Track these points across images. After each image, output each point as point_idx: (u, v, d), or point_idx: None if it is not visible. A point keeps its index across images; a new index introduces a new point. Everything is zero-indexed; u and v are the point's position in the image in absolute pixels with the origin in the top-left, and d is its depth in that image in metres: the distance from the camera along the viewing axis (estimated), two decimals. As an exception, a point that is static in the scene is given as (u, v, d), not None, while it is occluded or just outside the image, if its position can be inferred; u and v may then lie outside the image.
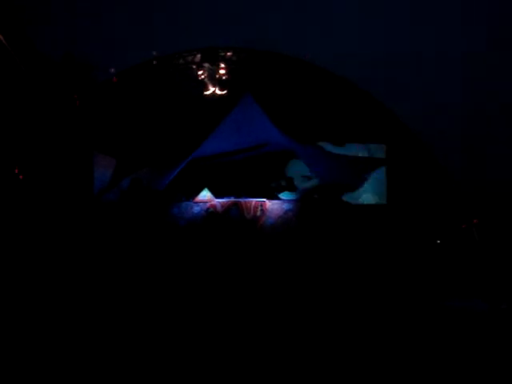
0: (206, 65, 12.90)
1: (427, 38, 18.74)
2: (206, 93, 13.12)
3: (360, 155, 13.54)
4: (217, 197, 12.98)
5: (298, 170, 13.79)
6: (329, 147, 13.67)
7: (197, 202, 12.88)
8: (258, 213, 12.75)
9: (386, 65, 18.01)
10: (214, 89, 13.05)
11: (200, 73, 12.97)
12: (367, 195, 13.33)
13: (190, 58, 12.94)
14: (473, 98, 17.83)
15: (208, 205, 12.83)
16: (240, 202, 12.82)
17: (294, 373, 8.70)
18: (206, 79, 13.00)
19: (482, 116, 17.79)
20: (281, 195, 13.37)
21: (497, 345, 9.37)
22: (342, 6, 18.80)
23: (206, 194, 12.95)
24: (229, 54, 12.88)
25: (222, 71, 12.95)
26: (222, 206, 12.83)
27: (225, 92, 13.07)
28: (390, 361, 9.01)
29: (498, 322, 10.42)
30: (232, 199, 12.98)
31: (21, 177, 12.54)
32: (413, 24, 19.16)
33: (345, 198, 13.25)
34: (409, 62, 18.36)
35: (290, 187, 13.67)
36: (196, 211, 12.79)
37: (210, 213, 12.78)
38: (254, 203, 12.80)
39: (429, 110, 17.63)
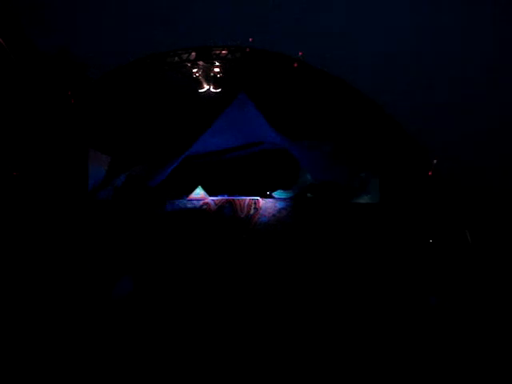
0: (201, 63, 12.92)
1: (426, 37, 18.76)
2: (200, 91, 13.14)
3: (354, 155, 13.57)
4: (210, 195, 12.99)
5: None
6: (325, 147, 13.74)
7: (190, 200, 12.88)
8: (252, 211, 12.75)
9: (384, 64, 18.03)
10: (208, 87, 13.07)
11: (195, 71, 12.99)
12: (360, 194, 13.34)
13: (184, 56, 12.93)
14: (471, 98, 17.85)
15: (201, 202, 12.83)
16: (233, 200, 12.82)
17: (285, 368, 8.74)
18: (200, 77, 13.02)
19: (479, 116, 17.81)
20: (274, 194, 13.39)
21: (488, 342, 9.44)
22: (341, 7, 18.82)
23: (199, 192, 12.96)
24: (223, 52, 12.86)
25: (217, 69, 12.97)
26: (216, 204, 12.83)
27: (219, 90, 13.09)
28: (381, 355, 9.07)
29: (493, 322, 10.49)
30: (226, 197, 12.99)
31: (14, 173, 12.52)
32: (412, 24, 19.18)
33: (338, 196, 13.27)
34: (406, 61, 18.37)
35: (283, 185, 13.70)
36: (189, 209, 12.79)
37: (204, 211, 12.78)
38: (247, 201, 12.80)
39: (425, 109, 17.65)
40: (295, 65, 13.04)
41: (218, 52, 12.88)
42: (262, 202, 12.84)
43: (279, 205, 12.88)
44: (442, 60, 18.64)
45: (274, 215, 12.80)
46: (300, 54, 13.18)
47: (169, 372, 8.88)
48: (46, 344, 9.44)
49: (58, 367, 8.71)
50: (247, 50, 12.90)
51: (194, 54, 12.85)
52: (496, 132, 17.44)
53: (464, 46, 18.54)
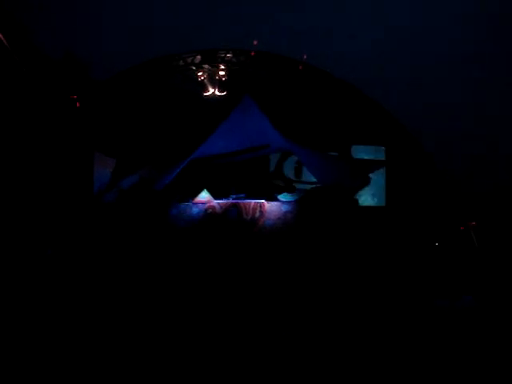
0: (206, 66, 12.92)
1: (427, 36, 18.74)
2: (205, 94, 13.14)
3: (360, 157, 13.58)
4: (216, 198, 12.99)
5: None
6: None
7: (196, 203, 12.89)
8: (257, 214, 12.75)
9: (385, 65, 18.02)
10: (213, 90, 13.07)
11: (200, 74, 12.99)
12: (366, 197, 13.36)
13: (189, 59, 12.94)
14: (473, 98, 17.85)
15: (207, 206, 12.84)
16: (239, 203, 12.83)
17: (291, 372, 8.76)
18: (205, 80, 13.02)
19: (483, 117, 17.81)
20: (280, 197, 13.39)
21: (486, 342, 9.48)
22: (342, 7, 18.81)
23: (204, 195, 12.96)
24: (228, 55, 12.87)
25: (222, 73, 12.96)
26: (221, 207, 12.83)
27: (224, 93, 13.09)
28: (388, 360, 9.09)
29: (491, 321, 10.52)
30: (231, 200, 12.99)
31: (20, 176, 12.55)
32: (412, 23, 19.17)
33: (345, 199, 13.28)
34: (408, 61, 18.36)
35: (289, 188, 13.71)
36: (195, 212, 12.80)
37: (209, 214, 12.80)
38: (252, 204, 12.80)
39: (428, 111, 17.65)
40: (300, 67, 13.04)
41: (222, 55, 12.89)
42: (267, 205, 12.84)
43: (284, 208, 12.87)
44: (444, 60, 18.64)
45: (279, 218, 12.80)
46: (304, 56, 13.19)
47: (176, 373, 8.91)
48: (44, 345, 9.46)
49: (55, 367, 8.72)
50: (252, 53, 12.91)
51: (199, 57, 12.87)
52: (499, 132, 17.45)
53: (465, 46, 18.56)
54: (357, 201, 13.10)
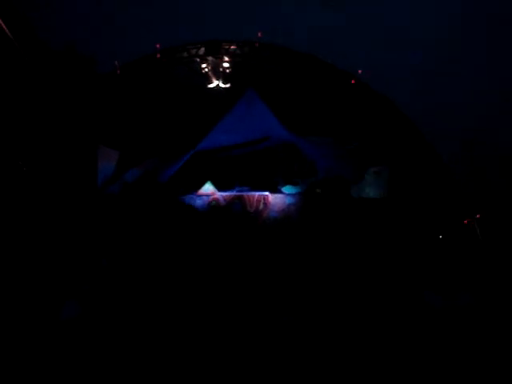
0: (210, 58, 12.88)
1: (429, 34, 18.66)
2: (209, 86, 13.11)
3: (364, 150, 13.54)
4: (220, 190, 12.99)
5: None
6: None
7: (200, 196, 12.89)
8: (261, 206, 12.76)
9: (389, 61, 17.93)
10: (217, 82, 13.03)
11: (203, 66, 12.95)
12: (369, 189, 13.31)
13: (193, 51, 12.91)
14: (476, 96, 17.77)
15: (211, 198, 12.85)
16: (243, 195, 12.84)
17: (293, 367, 8.76)
18: (209, 72, 12.99)
19: (486, 113, 17.73)
20: (283, 189, 13.37)
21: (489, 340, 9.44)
22: (346, 5, 18.72)
23: (208, 188, 12.97)
24: (232, 47, 12.83)
25: (226, 64, 12.93)
26: (225, 200, 12.84)
27: (228, 85, 13.05)
28: (391, 355, 9.06)
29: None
30: (235, 193, 12.99)
31: (24, 168, 12.55)
32: (414, 21, 19.08)
33: (347, 191, 13.26)
34: (411, 59, 18.28)
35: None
36: (199, 204, 12.80)
37: (213, 206, 12.80)
38: (256, 197, 12.81)
39: (432, 107, 17.58)
40: (303, 59, 13.00)
41: (226, 47, 12.85)
42: (271, 197, 12.85)
43: (288, 200, 12.89)
44: (444, 60, 18.56)
45: (283, 210, 12.81)
46: (305, 50, 13.15)
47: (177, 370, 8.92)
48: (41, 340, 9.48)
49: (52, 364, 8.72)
50: (256, 44, 12.87)
51: (203, 48, 12.83)
52: (502, 128, 17.39)
53: (469, 47, 18.46)
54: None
